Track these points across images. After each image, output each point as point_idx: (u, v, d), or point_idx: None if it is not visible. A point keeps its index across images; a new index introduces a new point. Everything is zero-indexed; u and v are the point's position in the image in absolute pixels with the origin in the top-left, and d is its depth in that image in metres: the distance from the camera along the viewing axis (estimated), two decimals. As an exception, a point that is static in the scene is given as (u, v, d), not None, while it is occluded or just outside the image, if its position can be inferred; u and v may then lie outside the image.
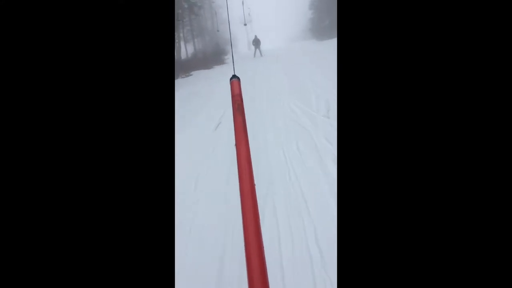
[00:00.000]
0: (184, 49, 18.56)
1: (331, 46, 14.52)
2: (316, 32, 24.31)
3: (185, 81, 12.30)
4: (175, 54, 14.44)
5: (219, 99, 6.94)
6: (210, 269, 1.91)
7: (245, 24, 28.02)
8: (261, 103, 6.00)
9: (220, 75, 11.08)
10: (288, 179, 2.88)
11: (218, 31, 17.46)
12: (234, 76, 0.87)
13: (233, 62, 1.14)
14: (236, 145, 0.72)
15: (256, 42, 18.20)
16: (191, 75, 13.82)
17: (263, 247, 0.56)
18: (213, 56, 17.80)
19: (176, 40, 15.46)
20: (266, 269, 0.53)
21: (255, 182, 0.66)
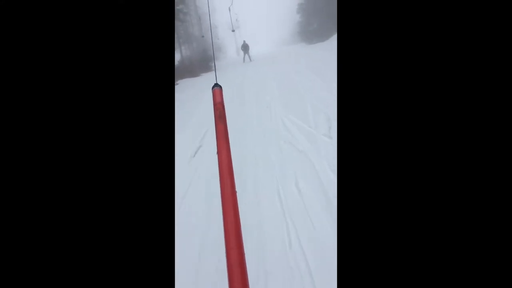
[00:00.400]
0: (170, 57, 17.55)
1: (321, 49, 13.76)
2: (305, 35, 23.56)
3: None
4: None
5: (202, 116, 6.02)
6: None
7: (233, 30, 27.48)
8: (250, 118, 5.07)
9: (207, 84, 10.13)
10: (288, 248, 1.97)
11: (203, 36, 16.70)
12: (216, 85, 0.87)
13: (215, 71, 1.08)
14: (218, 153, 0.71)
15: (245, 47, 17.96)
16: (177, 84, 12.87)
17: (245, 258, 0.55)
18: (200, 63, 16.94)
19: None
20: (247, 278, 0.52)
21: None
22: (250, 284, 0.52)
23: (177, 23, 18.64)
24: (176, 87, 12.25)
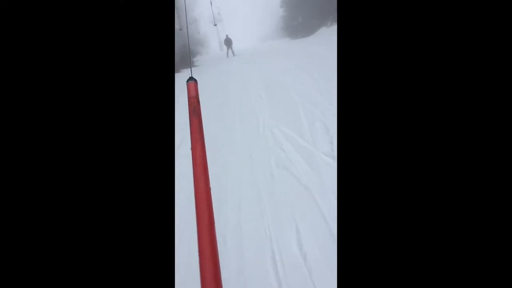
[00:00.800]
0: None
1: (307, 44, 12.94)
2: (289, 30, 22.72)
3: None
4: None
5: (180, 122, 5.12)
6: None
7: (215, 24, 26.54)
8: (233, 129, 4.21)
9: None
10: None
11: (180, 29, 15.73)
12: (190, 78, 0.84)
13: (190, 66, 1.15)
14: (192, 148, 0.69)
15: (228, 42, 17.51)
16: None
17: (218, 254, 0.54)
18: (180, 59, 15.91)
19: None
20: (220, 275, 0.51)
21: None
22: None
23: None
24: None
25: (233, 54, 17.18)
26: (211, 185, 0.64)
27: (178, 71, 13.58)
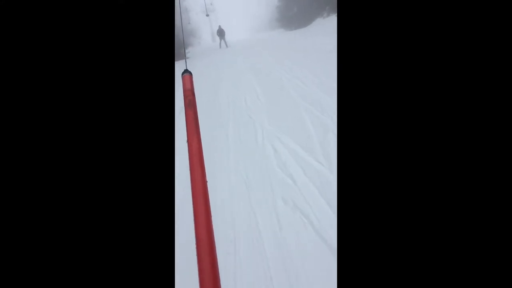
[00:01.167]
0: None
1: (303, 36, 12.11)
2: (284, 21, 21.76)
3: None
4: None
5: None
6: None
7: (207, 15, 25.52)
8: (225, 143, 3.45)
9: (178, 75, 8.32)
10: None
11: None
12: (185, 71, 0.83)
13: (185, 59, 1.12)
14: (188, 141, 0.67)
15: (221, 33, 16.91)
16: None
17: (215, 246, 0.53)
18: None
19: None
20: (217, 267, 0.51)
21: None
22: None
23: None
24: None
25: (226, 46, 16.59)
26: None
27: (168, 64, 12.70)
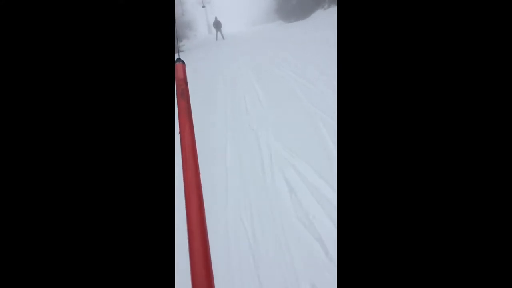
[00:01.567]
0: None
1: (304, 29, 11.24)
2: (282, 12, 20.76)
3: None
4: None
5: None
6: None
7: (203, 6, 24.51)
8: (220, 172, 2.66)
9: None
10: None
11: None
12: (178, 60, 0.79)
13: (177, 47, 0.98)
14: (180, 131, 0.65)
15: (217, 24, 16.61)
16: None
17: (208, 240, 0.51)
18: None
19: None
20: (210, 262, 0.49)
21: None
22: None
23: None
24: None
25: (223, 38, 16.29)
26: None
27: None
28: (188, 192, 0.55)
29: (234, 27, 25.44)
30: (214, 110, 4.02)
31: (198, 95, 4.71)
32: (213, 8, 27.53)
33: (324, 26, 9.79)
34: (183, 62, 0.78)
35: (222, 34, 16.62)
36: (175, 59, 0.77)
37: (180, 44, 14.64)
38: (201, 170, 0.57)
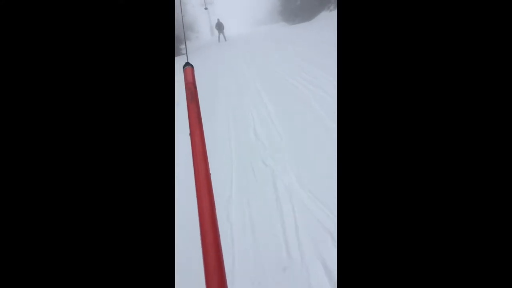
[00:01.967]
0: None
1: (310, 31, 10.45)
2: (286, 14, 19.92)
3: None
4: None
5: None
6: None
7: (205, 8, 23.81)
8: (230, 257, 1.87)
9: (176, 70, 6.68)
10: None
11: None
12: (187, 64, 0.79)
13: (186, 53, 0.95)
14: (191, 135, 0.65)
15: (219, 26, 16.24)
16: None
17: (220, 244, 0.51)
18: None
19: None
20: (223, 266, 0.48)
21: None
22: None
23: None
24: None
25: (225, 39, 16.01)
26: None
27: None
28: (200, 194, 0.55)
29: (237, 29, 24.67)
30: (214, 133, 3.24)
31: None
32: (215, 10, 26.75)
33: (330, 28, 9.05)
34: (192, 66, 0.78)
35: (224, 36, 16.41)
36: (184, 63, 0.77)
37: (181, 46, 13.89)
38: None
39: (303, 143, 2.60)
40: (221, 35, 16.37)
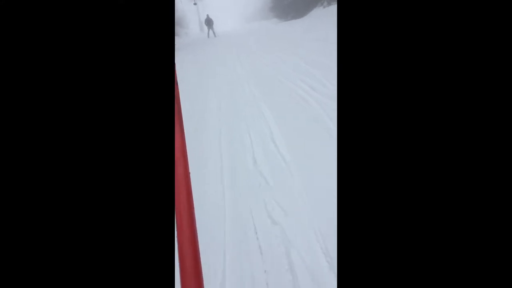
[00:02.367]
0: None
1: (303, 28, 9.74)
2: (277, 10, 19.14)
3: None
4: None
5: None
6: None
7: (194, 3, 22.81)
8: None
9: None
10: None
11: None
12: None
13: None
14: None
15: (209, 22, 15.99)
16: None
17: (198, 244, 0.49)
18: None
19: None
20: (200, 265, 0.48)
21: None
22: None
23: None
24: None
25: (214, 35, 15.77)
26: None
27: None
28: (178, 193, 0.55)
29: (227, 25, 23.77)
30: (203, 170, 2.49)
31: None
32: (204, 5, 25.75)
33: (323, 25, 8.40)
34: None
35: (214, 32, 16.07)
36: None
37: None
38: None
39: (298, 140, 1.87)
40: (211, 31, 16.08)
